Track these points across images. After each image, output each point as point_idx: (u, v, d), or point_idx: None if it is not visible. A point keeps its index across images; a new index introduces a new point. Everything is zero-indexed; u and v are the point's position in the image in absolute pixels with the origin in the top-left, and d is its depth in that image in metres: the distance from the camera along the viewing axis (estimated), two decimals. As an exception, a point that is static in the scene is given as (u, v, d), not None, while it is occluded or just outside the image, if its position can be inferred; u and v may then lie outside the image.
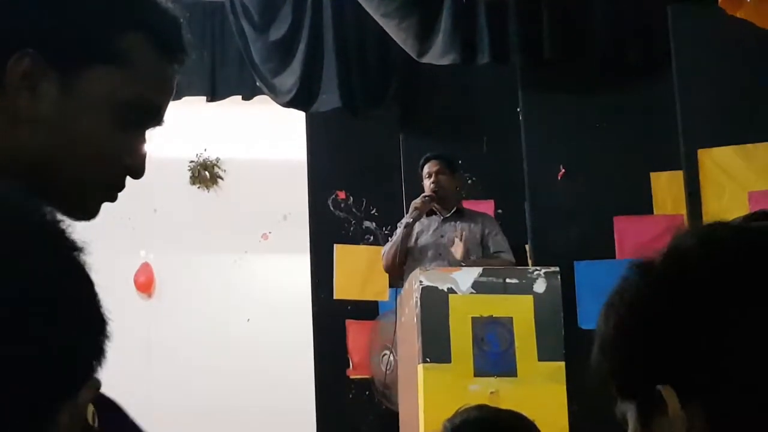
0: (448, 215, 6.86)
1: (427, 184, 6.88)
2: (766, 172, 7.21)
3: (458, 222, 6.83)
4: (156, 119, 1.39)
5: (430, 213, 6.91)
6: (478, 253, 6.69)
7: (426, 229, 6.84)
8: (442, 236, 6.78)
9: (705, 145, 7.32)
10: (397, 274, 6.87)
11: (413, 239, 6.82)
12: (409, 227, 6.77)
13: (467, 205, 7.36)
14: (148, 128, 1.39)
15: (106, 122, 1.31)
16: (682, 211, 7.61)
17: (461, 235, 6.60)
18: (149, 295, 9.55)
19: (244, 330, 9.49)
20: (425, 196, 6.81)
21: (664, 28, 7.53)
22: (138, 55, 1.34)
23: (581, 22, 7.88)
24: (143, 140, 1.38)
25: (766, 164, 7.25)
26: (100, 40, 1.31)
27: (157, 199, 9.21)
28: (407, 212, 7.11)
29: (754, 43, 7.04)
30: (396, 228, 6.98)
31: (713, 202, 7.27)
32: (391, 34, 7.76)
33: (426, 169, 6.93)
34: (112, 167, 1.34)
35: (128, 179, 1.37)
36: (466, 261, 6.44)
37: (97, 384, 0.93)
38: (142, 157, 1.37)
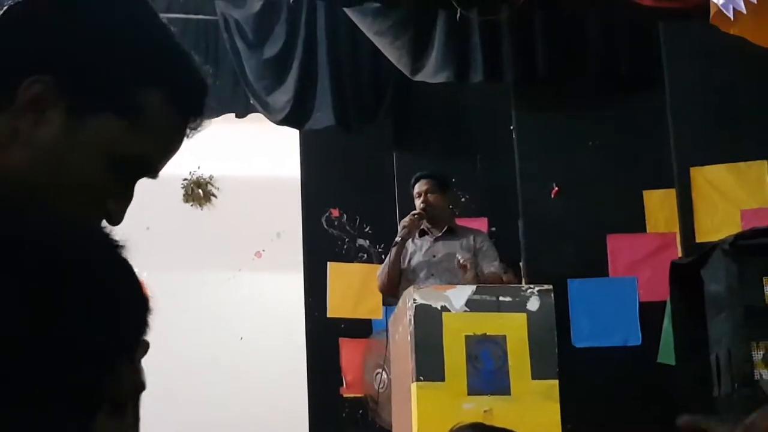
0: (440, 234, 6.84)
1: (418, 203, 6.85)
2: (758, 190, 7.23)
3: (450, 242, 6.79)
4: (152, 174, 1.38)
5: (423, 233, 6.88)
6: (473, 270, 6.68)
7: (418, 249, 6.82)
8: (434, 256, 6.75)
9: (697, 164, 7.33)
10: (392, 294, 6.85)
11: (406, 260, 6.80)
12: (399, 246, 6.74)
13: (460, 222, 7.36)
14: (141, 178, 1.38)
15: (101, 167, 1.30)
16: (675, 229, 7.62)
17: (466, 267, 6.52)
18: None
19: (237, 348, 9.46)
20: (414, 214, 6.78)
21: (656, 45, 7.56)
22: (153, 113, 1.32)
23: (574, 40, 7.90)
24: (132, 190, 1.37)
25: (758, 182, 7.26)
26: (120, 90, 1.30)
27: (150, 216, 9.18)
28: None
29: (747, 61, 7.05)
30: (391, 248, 6.96)
31: (706, 220, 7.28)
32: (384, 52, 7.78)
33: (417, 188, 6.89)
34: (93, 208, 1.32)
35: None
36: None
37: (147, 345, 1.12)
38: (125, 205, 1.35)
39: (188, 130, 1.40)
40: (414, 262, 6.77)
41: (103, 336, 0.96)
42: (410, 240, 6.83)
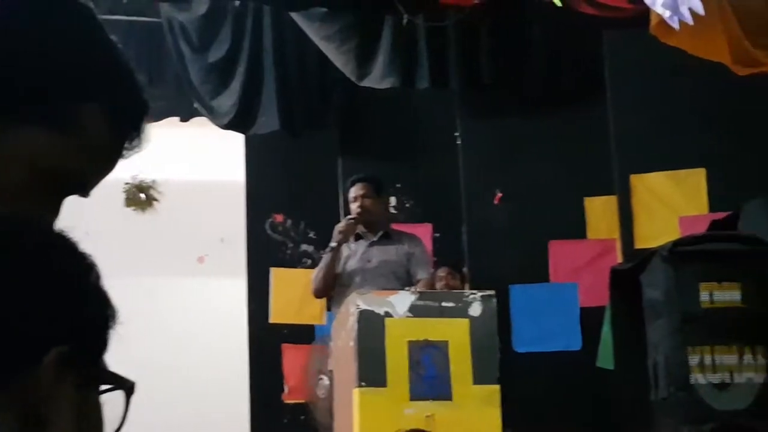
0: (375, 239, 6.82)
1: (353, 207, 6.81)
2: (696, 197, 7.33)
3: (385, 247, 6.78)
4: (83, 192, 1.35)
5: (358, 237, 6.86)
6: (403, 278, 6.67)
7: (353, 254, 6.79)
8: (368, 261, 6.73)
9: (637, 171, 7.42)
10: (325, 298, 6.84)
11: (341, 264, 6.77)
12: (334, 251, 6.71)
13: (405, 228, 7.37)
14: (71, 194, 1.34)
15: (26, 179, 1.26)
16: (615, 235, 7.70)
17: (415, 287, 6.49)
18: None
19: (179, 354, 9.41)
20: (349, 219, 6.75)
21: (599, 55, 7.64)
22: (88, 129, 1.29)
23: (519, 48, 7.97)
24: (60, 205, 1.33)
25: (697, 190, 7.36)
26: (53, 103, 1.26)
27: (90, 221, 9.08)
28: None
29: (686, 70, 7.15)
30: (325, 252, 6.93)
31: (645, 226, 7.36)
32: (331, 58, 7.79)
33: (352, 192, 6.85)
34: None
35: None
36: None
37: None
38: (51, 220, 1.30)
39: (125, 150, 1.37)
40: (349, 267, 6.74)
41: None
42: (345, 244, 6.80)
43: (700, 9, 6.19)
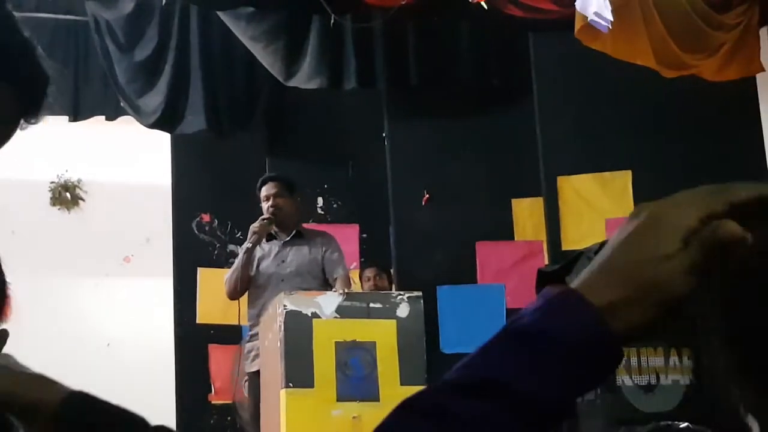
0: (288, 239, 6.78)
1: (265, 206, 6.70)
2: (622, 199, 7.41)
3: (299, 246, 6.73)
4: None
5: (270, 237, 6.79)
6: (319, 277, 6.64)
7: (267, 255, 6.71)
8: (283, 261, 6.67)
9: (564, 173, 7.49)
10: (237, 297, 6.77)
11: (254, 266, 6.70)
12: (249, 251, 6.64)
13: (332, 229, 7.36)
14: None
15: None
16: (542, 237, 7.77)
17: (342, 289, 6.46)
18: (6, 320, 9.32)
19: (104, 354, 9.32)
20: (263, 219, 6.64)
21: (526, 56, 7.70)
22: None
23: (446, 49, 8.00)
24: None
25: (623, 192, 7.45)
26: None
27: (15, 220, 9.00)
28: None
29: (613, 73, 7.24)
30: (240, 254, 6.84)
31: (572, 228, 7.44)
32: (258, 57, 7.76)
33: (264, 192, 6.74)
34: None
35: None
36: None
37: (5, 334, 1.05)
38: None
39: (24, 123, 1.36)
40: (263, 267, 6.67)
41: None
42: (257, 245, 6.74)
43: (609, 15, 6.28)
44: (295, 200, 6.89)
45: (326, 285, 6.56)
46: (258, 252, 6.68)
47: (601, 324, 0.86)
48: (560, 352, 0.86)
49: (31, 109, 1.35)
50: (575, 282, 0.89)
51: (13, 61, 1.32)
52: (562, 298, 0.88)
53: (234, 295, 6.76)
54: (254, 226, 6.62)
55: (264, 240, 6.70)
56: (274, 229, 6.71)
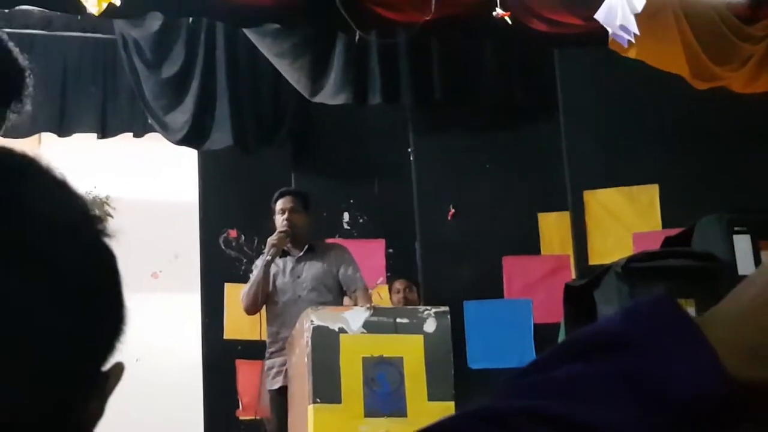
0: (301, 254, 6.77)
1: (280, 220, 6.68)
2: (649, 213, 7.39)
3: (313, 261, 6.71)
4: None
5: (284, 254, 6.78)
6: (334, 289, 6.64)
7: (281, 271, 6.71)
8: (298, 277, 6.66)
9: (591, 187, 7.47)
10: (255, 313, 6.76)
11: (270, 282, 6.69)
12: (268, 264, 6.62)
13: (358, 244, 7.36)
14: None
15: None
16: (569, 251, 7.74)
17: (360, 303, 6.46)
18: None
19: (133, 370, 9.32)
20: (280, 232, 6.63)
21: (552, 71, 7.69)
22: None
23: (471, 64, 8.00)
24: None
25: (650, 206, 7.42)
26: None
27: (44, 237, 9.04)
28: None
29: (638, 87, 7.22)
30: (258, 267, 6.83)
31: (599, 242, 7.41)
32: (283, 74, 7.78)
33: (279, 205, 6.73)
34: None
35: None
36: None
37: (122, 367, 1.01)
38: None
39: (10, 114, 1.44)
40: (279, 283, 6.66)
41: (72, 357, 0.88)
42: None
43: (635, 28, 6.27)
44: (309, 216, 6.88)
45: (342, 298, 6.58)
46: (272, 268, 6.68)
47: (725, 377, 0.73)
48: (675, 407, 0.74)
49: (13, 100, 1.42)
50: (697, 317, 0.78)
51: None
52: (680, 333, 0.76)
53: (253, 309, 6.76)
54: (272, 239, 6.62)
55: (278, 257, 6.70)
56: (288, 244, 6.71)
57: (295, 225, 6.65)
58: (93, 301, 0.90)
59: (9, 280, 0.80)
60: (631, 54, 6.78)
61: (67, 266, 0.86)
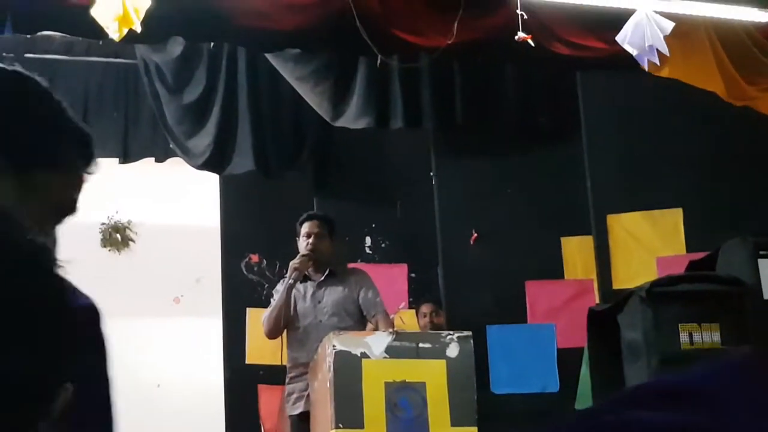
0: (322, 279, 6.73)
1: (304, 243, 6.69)
2: (672, 237, 7.34)
3: (334, 286, 6.69)
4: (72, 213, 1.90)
5: (305, 278, 6.75)
6: (355, 314, 6.61)
7: (302, 296, 6.69)
8: (319, 301, 6.65)
9: (614, 211, 7.43)
10: (277, 337, 6.75)
11: (292, 306, 6.67)
12: (291, 288, 6.60)
13: (380, 268, 7.34)
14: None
15: (43, 210, 1.78)
16: (592, 275, 7.70)
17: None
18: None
19: (155, 395, 9.34)
20: (303, 255, 6.63)
21: (574, 94, 7.66)
22: (76, 168, 1.79)
23: (493, 87, 7.99)
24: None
25: (674, 230, 7.37)
26: (52, 154, 1.74)
27: (66, 261, 9.05)
28: None
29: (661, 110, 7.19)
30: (280, 291, 6.81)
31: (622, 267, 7.37)
32: (305, 98, 7.79)
33: (305, 229, 6.73)
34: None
35: None
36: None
37: (70, 389, 1.16)
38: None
39: (88, 174, 1.83)
40: (300, 308, 6.65)
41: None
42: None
43: (665, 49, 6.24)
44: (333, 241, 6.87)
45: (363, 323, 6.55)
46: (293, 292, 6.67)
47: None
48: None
49: (88, 162, 1.83)
50: None
51: (65, 127, 1.79)
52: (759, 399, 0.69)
53: (274, 333, 6.75)
54: (294, 263, 6.61)
55: (299, 281, 6.69)
56: (310, 268, 6.70)
57: (319, 250, 6.65)
58: (39, 325, 1.10)
59: None
60: (665, 73, 6.74)
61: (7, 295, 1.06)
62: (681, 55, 6.41)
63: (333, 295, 6.66)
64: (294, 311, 6.63)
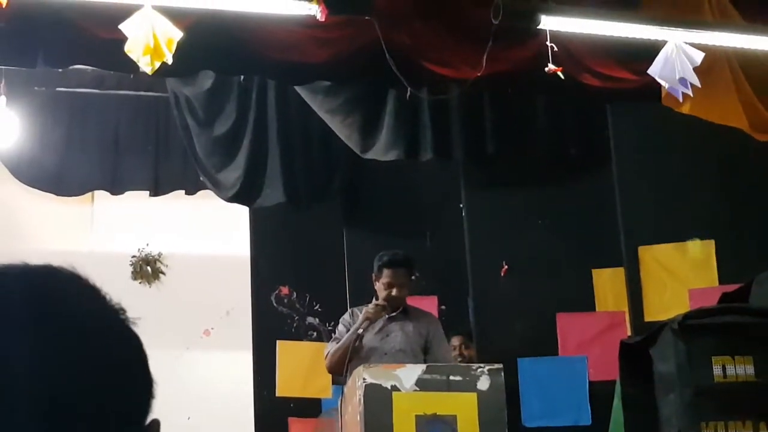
0: (394, 314, 6.70)
1: (383, 291, 6.59)
2: (705, 269, 7.28)
3: (403, 322, 6.65)
4: None
5: None
6: (419, 356, 6.55)
7: (371, 329, 6.65)
8: (387, 336, 6.60)
9: (646, 242, 7.38)
10: (340, 374, 6.72)
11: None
12: (360, 337, 6.50)
13: (410, 300, 7.31)
14: None
15: None
16: (624, 307, 7.64)
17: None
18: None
19: (185, 429, 9.33)
20: (378, 305, 6.54)
21: (604, 126, 7.64)
22: None
23: (523, 118, 7.98)
24: None
25: (706, 262, 7.31)
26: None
27: (97, 294, 9.08)
28: (350, 307, 7.03)
29: (692, 141, 7.16)
30: (338, 325, 6.78)
31: (654, 299, 7.31)
32: (335, 130, 7.80)
33: (387, 277, 6.60)
34: None
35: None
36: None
37: (158, 423, 1.27)
38: None
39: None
40: (366, 340, 6.60)
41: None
42: None
43: (696, 81, 6.21)
44: (413, 284, 6.81)
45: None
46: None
47: None
48: None
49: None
50: None
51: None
52: None
53: (336, 371, 6.71)
54: (368, 311, 6.49)
55: None
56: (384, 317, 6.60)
57: (398, 299, 6.58)
58: (127, 374, 1.21)
59: (61, 372, 1.08)
60: (685, 110, 6.71)
61: (103, 351, 1.18)
62: (701, 92, 6.36)
63: (401, 331, 6.59)
64: (360, 343, 6.55)
